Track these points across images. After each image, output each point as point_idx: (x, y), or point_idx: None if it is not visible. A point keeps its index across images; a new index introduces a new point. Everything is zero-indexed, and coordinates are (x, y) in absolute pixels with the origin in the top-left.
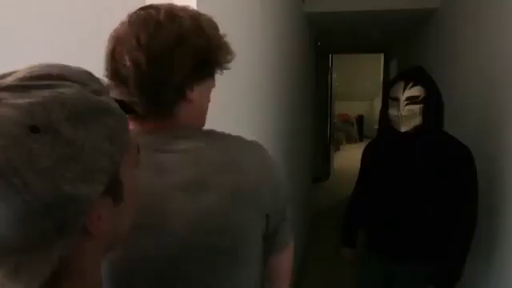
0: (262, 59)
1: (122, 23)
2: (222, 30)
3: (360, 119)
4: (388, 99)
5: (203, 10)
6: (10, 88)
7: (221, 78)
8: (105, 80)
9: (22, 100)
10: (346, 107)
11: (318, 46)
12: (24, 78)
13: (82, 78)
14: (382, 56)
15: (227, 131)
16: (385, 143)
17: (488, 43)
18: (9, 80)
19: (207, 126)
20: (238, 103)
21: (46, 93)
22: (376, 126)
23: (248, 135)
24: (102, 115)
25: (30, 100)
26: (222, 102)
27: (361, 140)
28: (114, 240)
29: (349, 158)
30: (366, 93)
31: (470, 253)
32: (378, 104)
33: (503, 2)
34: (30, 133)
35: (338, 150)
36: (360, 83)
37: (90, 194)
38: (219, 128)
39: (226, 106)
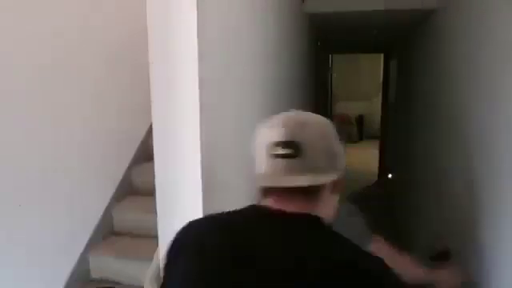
0: (262, 59)
1: None
2: (222, 31)
3: (360, 119)
4: None
5: (203, 11)
6: None
7: (221, 79)
8: None
9: None
10: (345, 107)
11: (317, 46)
12: None
13: None
14: (381, 56)
15: (227, 130)
16: None
17: (487, 43)
18: None
19: (209, 123)
20: (238, 103)
21: None
22: (376, 126)
23: (248, 135)
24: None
25: None
26: (222, 102)
27: (361, 140)
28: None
29: (349, 157)
30: (366, 93)
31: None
32: (377, 104)
33: (502, 2)
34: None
35: None
36: (360, 83)
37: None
38: (220, 127)
39: (227, 106)
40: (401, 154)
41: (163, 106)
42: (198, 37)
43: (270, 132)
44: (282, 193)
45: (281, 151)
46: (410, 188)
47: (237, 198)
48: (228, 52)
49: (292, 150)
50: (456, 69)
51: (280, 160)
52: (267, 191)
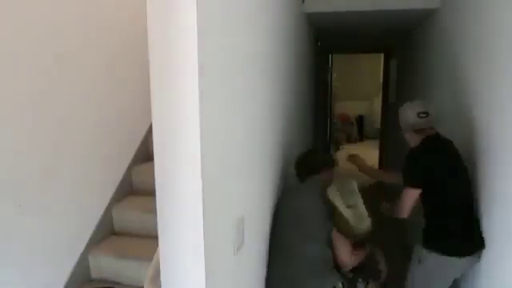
0: (262, 59)
1: None
2: (221, 31)
3: (360, 119)
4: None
5: (203, 11)
6: None
7: (222, 79)
8: None
9: None
10: (345, 107)
11: (317, 46)
12: None
13: None
14: (382, 56)
15: (227, 131)
16: None
17: (487, 43)
18: None
19: (209, 122)
20: (238, 104)
21: None
22: (376, 126)
23: (248, 135)
24: None
25: None
26: (222, 102)
27: (361, 140)
28: None
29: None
30: (366, 93)
31: None
32: (377, 104)
33: (503, 2)
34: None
35: (338, 150)
36: (360, 83)
37: None
38: (219, 126)
39: (227, 106)
40: (401, 154)
41: (163, 105)
42: (198, 36)
43: (415, 107)
44: (429, 129)
45: (423, 114)
46: None
47: (237, 198)
48: (227, 51)
49: (427, 113)
50: (456, 69)
51: (424, 118)
52: (421, 131)
